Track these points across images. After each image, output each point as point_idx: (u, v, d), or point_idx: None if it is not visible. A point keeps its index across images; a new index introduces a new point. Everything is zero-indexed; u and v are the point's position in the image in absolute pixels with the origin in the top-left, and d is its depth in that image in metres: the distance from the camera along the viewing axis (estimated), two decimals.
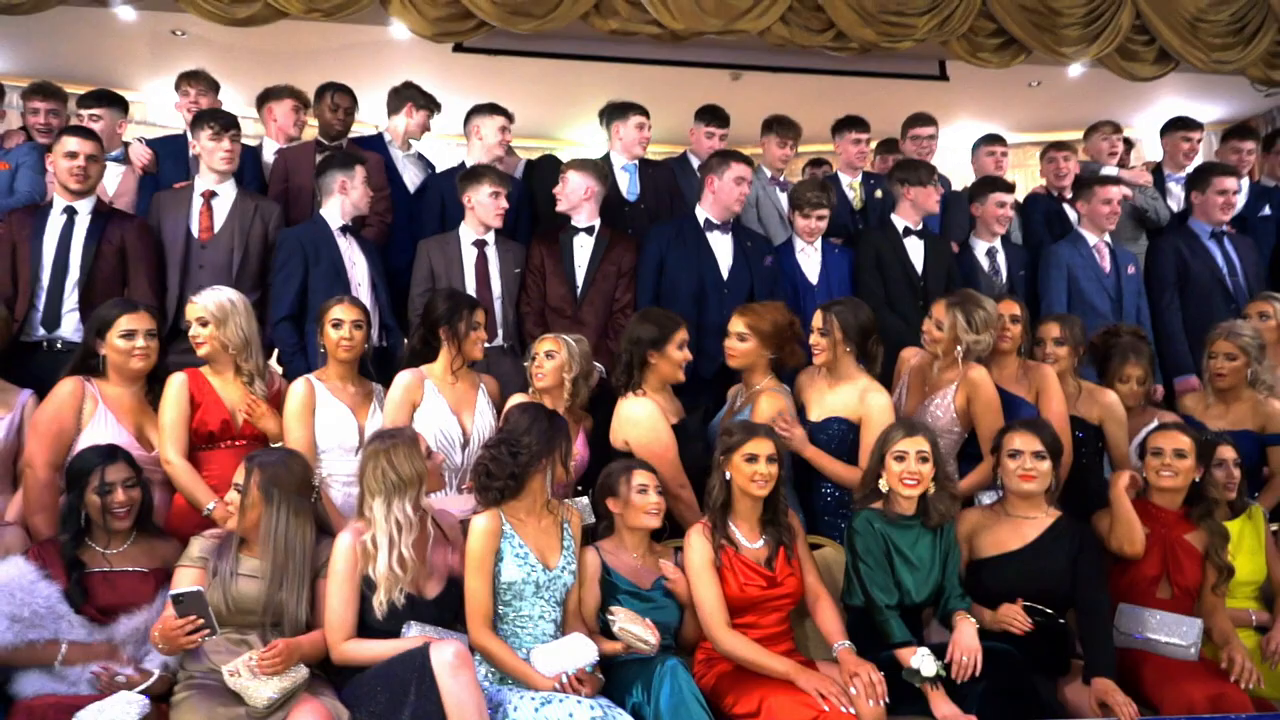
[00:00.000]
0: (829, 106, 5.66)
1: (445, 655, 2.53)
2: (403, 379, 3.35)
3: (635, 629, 2.78)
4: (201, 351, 3.27)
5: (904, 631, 2.89)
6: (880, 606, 2.91)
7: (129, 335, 3.18)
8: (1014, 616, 2.94)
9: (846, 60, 5.67)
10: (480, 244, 4.09)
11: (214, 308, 3.25)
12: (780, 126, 4.90)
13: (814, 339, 3.48)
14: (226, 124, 3.96)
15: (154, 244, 3.87)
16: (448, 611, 2.86)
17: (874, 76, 6.26)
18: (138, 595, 2.79)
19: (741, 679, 2.84)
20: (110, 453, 2.87)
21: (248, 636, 2.72)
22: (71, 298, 3.67)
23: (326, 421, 3.29)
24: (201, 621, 2.56)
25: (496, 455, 2.88)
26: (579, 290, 4.07)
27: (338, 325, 3.34)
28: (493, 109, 4.59)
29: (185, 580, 2.73)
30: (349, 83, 5.07)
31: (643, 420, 3.30)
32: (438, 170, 4.77)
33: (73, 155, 3.71)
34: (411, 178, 4.72)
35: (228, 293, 3.32)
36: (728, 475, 2.99)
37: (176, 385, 3.21)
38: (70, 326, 3.67)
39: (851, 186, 4.93)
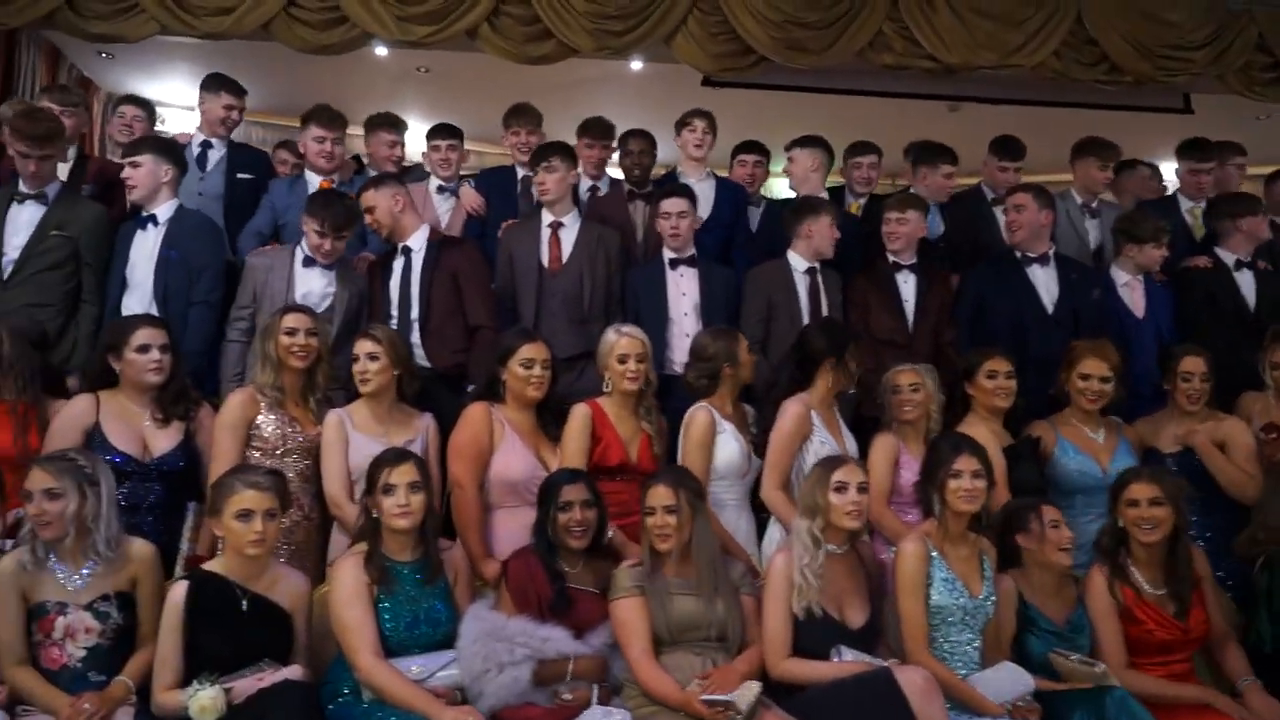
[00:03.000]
0: (1047, 138, 5.63)
1: (915, 679, 2.60)
2: (792, 410, 3.42)
3: None
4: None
5: None
6: None
7: (528, 364, 3.32)
8: None
9: (1075, 92, 5.69)
10: (811, 271, 4.17)
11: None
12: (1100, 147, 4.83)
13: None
14: (564, 156, 4.14)
15: (485, 266, 4.03)
16: (871, 642, 2.92)
17: (1107, 109, 6.23)
18: (591, 615, 2.91)
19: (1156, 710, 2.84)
20: (573, 474, 3.02)
21: (695, 657, 2.82)
22: (415, 328, 3.85)
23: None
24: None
25: None
26: (910, 323, 4.12)
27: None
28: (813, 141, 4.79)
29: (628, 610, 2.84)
30: (593, 112, 5.19)
31: None
32: None
33: None
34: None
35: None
36: (1120, 522, 3.05)
37: (581, 418, 3.34)
38: (420, 355, 3.81)
39: (1192, 214, 4.84)
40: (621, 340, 3.42)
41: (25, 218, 3.79)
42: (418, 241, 3.94)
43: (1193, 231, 4.79)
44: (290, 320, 3.35)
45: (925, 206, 4.34)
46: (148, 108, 4.82)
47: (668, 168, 5.88)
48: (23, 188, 3.83)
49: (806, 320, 4.05)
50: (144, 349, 3.15)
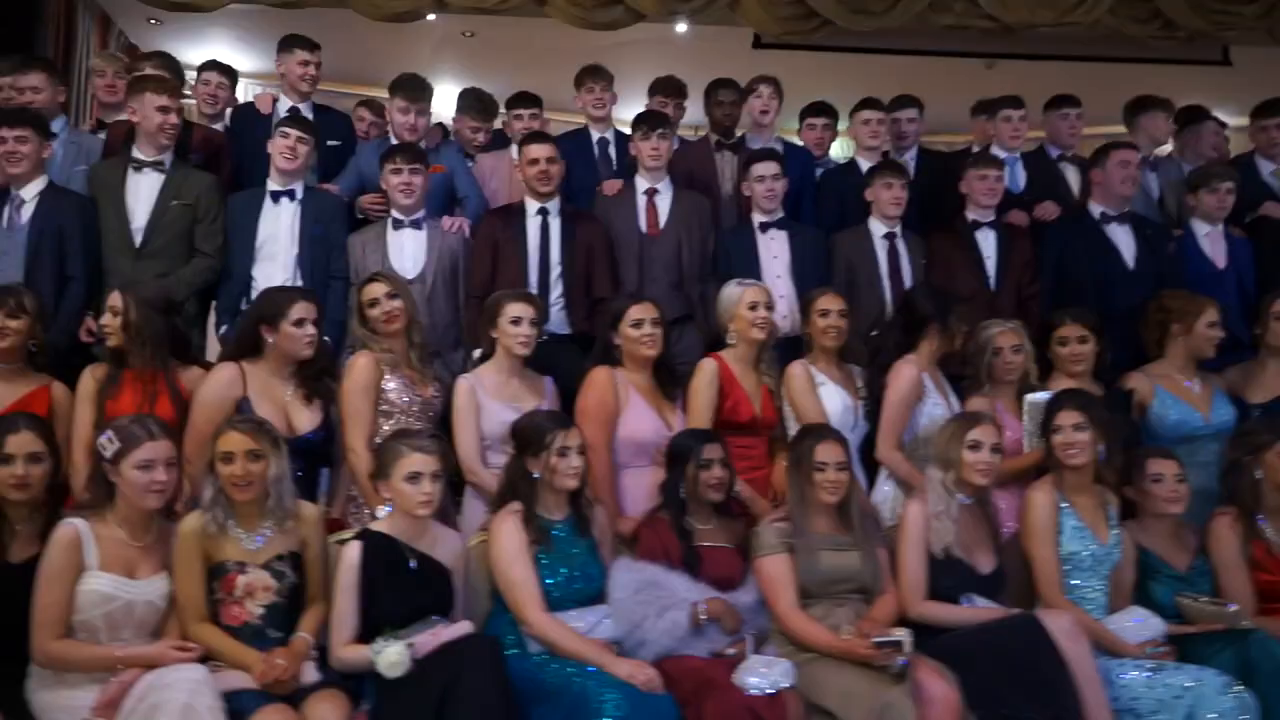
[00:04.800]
0: (1083, 93, 5.65)
1: (1062, 622, 2.74)
2: (906, 372, 3.52)
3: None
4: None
5: None
6: None
7: (638, 324, 3.40)
8: None
9: (1110, 47, 5.76)
10: (890, 236, 4.26)
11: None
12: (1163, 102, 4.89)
13: None
14: (670, 124, 4.24)
15: (608, 238, 4.11)
16: (998, 590, 3.05)
17: (1145, 63, 6.30)
18: (730, 569, 3.02)
19: None
20: (707, 433, 3.11)
21: (838, 608, 2.94)
22: (556, 292, 3.94)
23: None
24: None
25: None
26: (991, 281, 4.21)
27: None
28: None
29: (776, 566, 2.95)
30: (638, 76, 5.28)
31: None
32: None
33: (535, 162, 3.98)
34: None
35: None
36: (1258, 473, 3.16)
37: (709, 372, 3.43)
38: (559, 320, 3.94)
39: (1277, 175, 4.92)
40: (748, 290, 3.53)
41: (145, 187, 3.85)
42: (554, 206, 4.03)
43: (1277, 192, 4.81)
44: (370, 291, 3.43)
45: (1003, 164, 4.41)
46: (230, 74, 4.82)
47: (696, 128, 5.96)
48: (139, 154, 3.88)
49: (887, 285, 4.17)
50: (300, 323, 3.19)
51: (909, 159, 4.91)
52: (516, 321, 3.37)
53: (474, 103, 4.86)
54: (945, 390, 3.59)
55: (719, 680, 2.67)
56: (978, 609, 2.93)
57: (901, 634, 2.73)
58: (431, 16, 5.95)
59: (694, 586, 2.91)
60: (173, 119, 3.88)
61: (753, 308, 3.52)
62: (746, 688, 2.65)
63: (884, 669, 2.71)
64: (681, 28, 6.94)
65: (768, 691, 2.65)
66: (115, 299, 3.24)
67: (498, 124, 5.03)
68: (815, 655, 2.82)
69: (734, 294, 3.58)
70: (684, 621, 2.81)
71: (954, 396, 3.62)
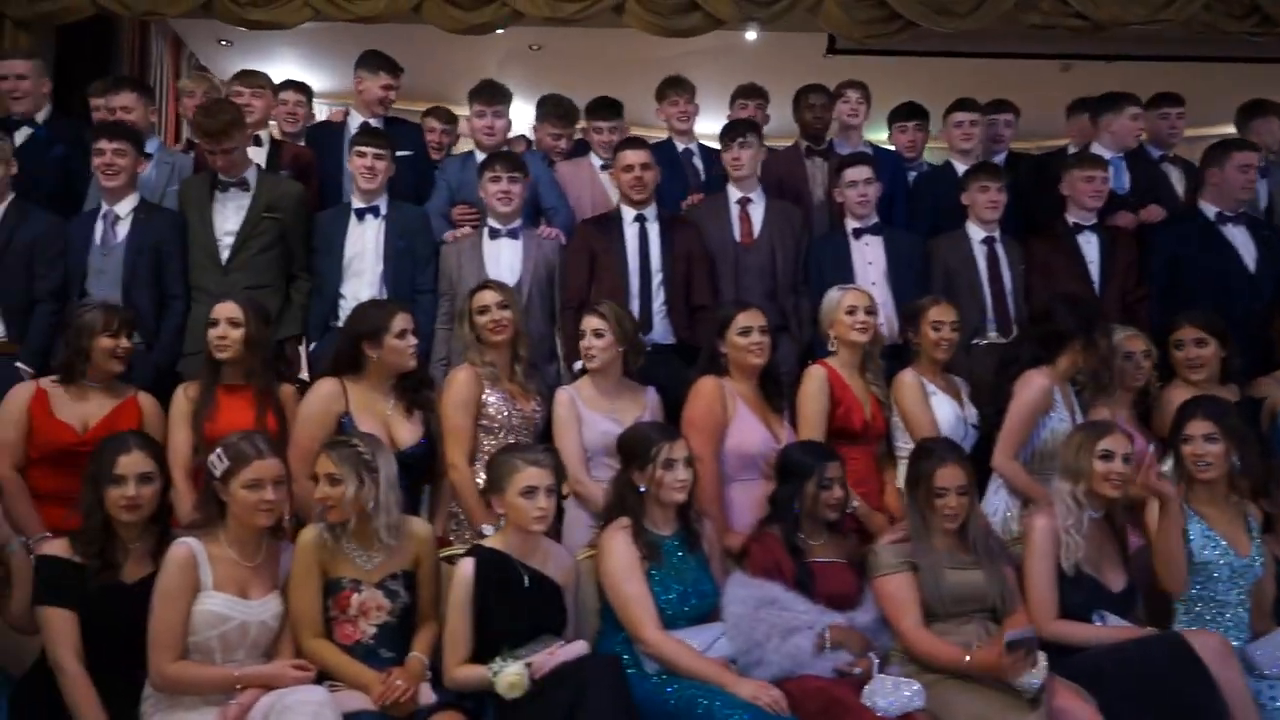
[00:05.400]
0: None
1: (1211, 642, 2.60)
2: (1038, 382, 3.39)
3: None
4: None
5: None
6: None
7: (746, 331, 3.30)
8: None
9: (1193, 47, 5.58)
10: (989, 241, 4.13)
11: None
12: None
13: None
14: (757, 132, 4.14)
15: (705, 245, 4.04)
16: (1130, 607, 2.92)
17: (1227, 61, 6.12)
18: (845, 585, 2.91)
19: None
20: (827, 452, 3.02)
21: (964, 626, 2.82)
22: (659, 300, 3.86)
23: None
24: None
25: None
26: (1096, 286, 4.07)
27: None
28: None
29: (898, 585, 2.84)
30: (708, 85, 5.14)
31: None
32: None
33: (630, 168, 3.91)
34: None
35: None
36: None
37: (819, 379, 3.34)
38: (662, 329, 3.86)
39: None
40: (847, 295, 3.45)
41: (233, 203, 3.85)
42: (651, 213, 3.98)
43: None
44: (481, 298, 3.37)
45: (1108, 165, 4.27)
46: (307, 92, 4.84)
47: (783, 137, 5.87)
48: (221, 176, 3.88)
49: (987, 291, 4.04)
50: (403, 334, 3.16)
51: (997, 161, 4.76)
52: (598, 334, 3.31)
53: (554, 109, 4.80)
54: (1073, 406, 3.44)
55: (848, 702, 2.56)
56: (1113, 627, 2.80)
57: (1027, 630, 2.61)
58: (501, 30, 6.00)
59: (813, 606, 2.80)
60: (217, 161, 3.84)
61: (851, 312, 3.43)
62: (876, 709, 2.54)
63: (1019, 689, 2.58)
64: (751, 35, 6.89)
65: (898, 714, 2.55)
66: (233, 310, 3.22)
67: (578, 133, 4.97)
68: (942, 676, 2.70)
69: (833, 298, 3.51)
70: (807, 647, 2.71)
71: (1080, 414, 3.46)
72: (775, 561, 2.90)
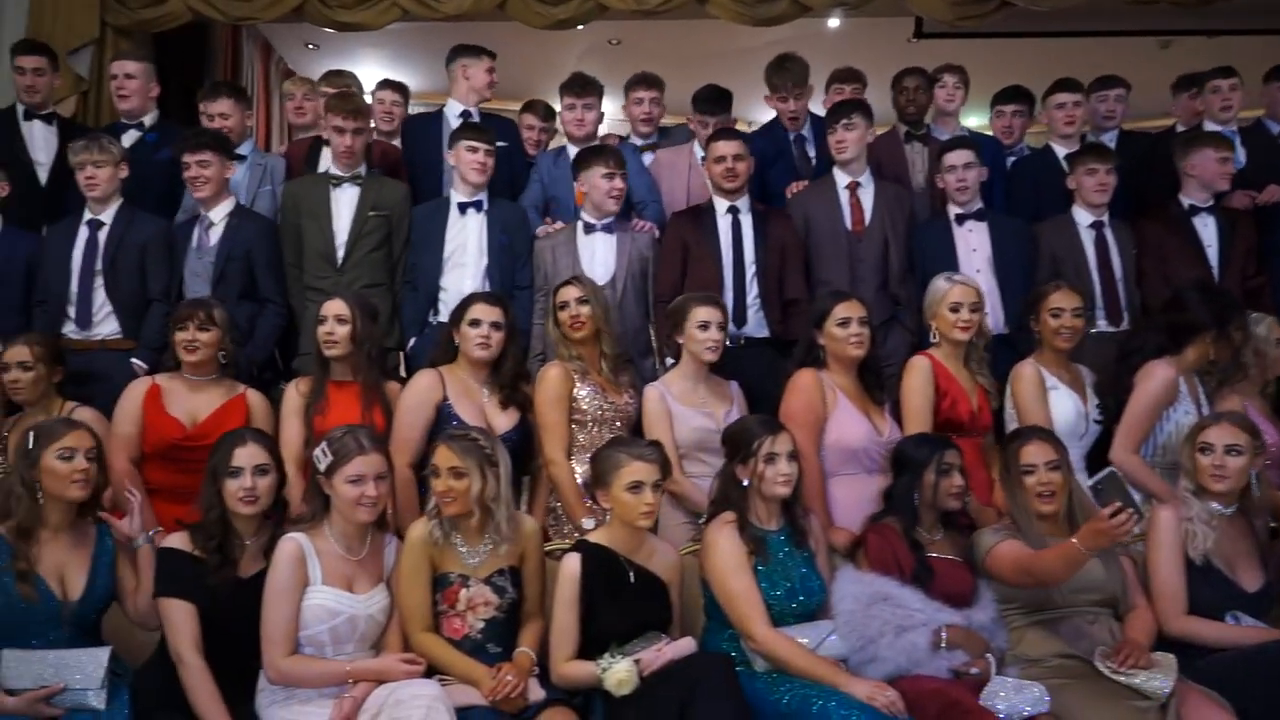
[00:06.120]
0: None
1: None
2: (1161, 373, 3.26)
3: None
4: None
5: None
6: None
7: (845, 323, 3.22)
8: None
9: None
10: (1097, 225, 3.98)
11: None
12: None
13: None
14: (864, 113, 4.03)
15: (800, 237, 3.95)
16: (1266, 610, 2.77)
17: None
18: (961, 584, 2.80)
19: None
20: (943, 440, 2.93)
21: (1089, 625, 2.71)
22: (752, 293, 3.80)
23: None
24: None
25: None
26: (1215, 270, 3.89)
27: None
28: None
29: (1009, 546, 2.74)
30: None
31: None
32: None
33: (722, 159, 3.85)
34: None
35: None
36: None
37: (923, 370, 3.24)
38: (756, 322, 3.79)
39: None
40: (954, 289, 3.33)
41: (345, 201, 3.91)
42: (744, 204, 3.92)
43: None
44: (563, 294, 3.37)
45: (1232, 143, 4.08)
46: (403, 91, 4.86)
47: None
48: (335, 170, 3.94)
49: (1096, 277, 3.89)
50: (476, 323, 3.19)
51: (1107, 140, 4.59)
52: (704, 326, 3.25)
53: (640, 80, 4.71)
54: (1199, 399, 3.30)
55: (968, 704, 2.47)
56: (1248, 628, 2.65)
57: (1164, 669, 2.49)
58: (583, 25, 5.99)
59: (928, 603, 2.70)
60: (346, 140, 3.90)
61: (955, 309, 3.31)
62: (998, 712, 2.45)
63: (1146, 693, 2.47)
64: (834, 22, 6.79)
65: (1020, 718, 2.45)
66: (340, 308, 3.26)
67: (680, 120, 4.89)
68: (1068, 680, 2.58)
69: (940, 289, 3.37)
70: (923, 645, 2.61)
71: (1207, 406, 3.30)
72: (894, 554, 2.81)
